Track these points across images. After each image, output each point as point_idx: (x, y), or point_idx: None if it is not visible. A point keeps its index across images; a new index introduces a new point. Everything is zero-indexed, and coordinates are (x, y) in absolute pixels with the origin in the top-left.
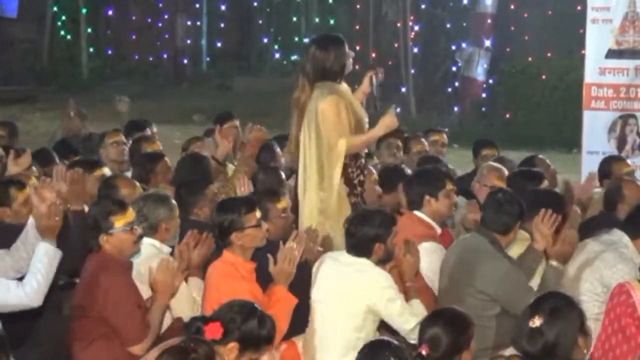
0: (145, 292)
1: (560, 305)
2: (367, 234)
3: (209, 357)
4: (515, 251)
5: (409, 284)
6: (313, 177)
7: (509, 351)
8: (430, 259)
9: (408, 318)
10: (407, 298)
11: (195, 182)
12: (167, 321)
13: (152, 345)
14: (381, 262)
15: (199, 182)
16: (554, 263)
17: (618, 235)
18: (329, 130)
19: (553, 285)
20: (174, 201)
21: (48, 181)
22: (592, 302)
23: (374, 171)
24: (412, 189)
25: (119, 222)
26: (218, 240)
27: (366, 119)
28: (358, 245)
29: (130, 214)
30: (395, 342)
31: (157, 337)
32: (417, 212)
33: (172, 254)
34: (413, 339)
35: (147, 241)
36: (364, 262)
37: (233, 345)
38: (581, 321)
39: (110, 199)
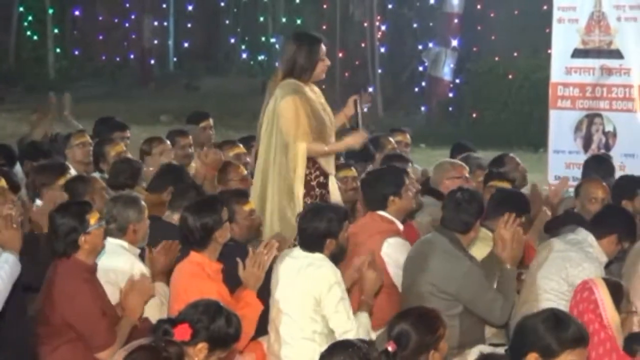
0: (111, 293)
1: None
2: (317, 229)
3: (179, 357)
4: (477, 250)
5: (364, 298)
6: (276, 180)
7: (474, 350)
8: (395, 254)
9: (346, 320)
10: (359, 309)
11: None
12: None
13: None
14: (334, 258)
15: (189, 190)
16: (506, 265)
17: (583, 235)
18: (287, 129)
19: (509, 286)
20: (143, 203)
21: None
22: (557, 300)
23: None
24: (373, 190)
25: (93, 220)
26: (197, 244)
27: (332, 127)
28: (309, 241)
29: (97, 211)
30: (357, 342)
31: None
32: (382, 212)
33: (141, 255)
34: None
35: (115, 242)
36: (316, 257)
37: (202, 346)
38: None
39: (75, 202)
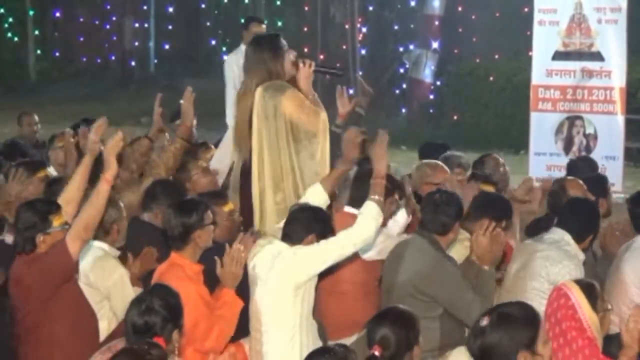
0: (94, 296)
1: (513, 314)
2: (302, 226)
3: (162, 359)
4: (456, 251)
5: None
6: (269, 181)
7: (455, 352)
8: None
9: (334, 240)
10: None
11: (175, 187)
12: (113, 325)
13: (97, 347)
14: None
15: (176, 188)
16: (485, 267)
17: (559, 234)
18: (307, 119)
19: (487, 288)
20: (121, 203)
21: None
22: (538, 300)
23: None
24: (357, 192)
25: (57, 222)
26: (176, 242)
27: None
28: (292, 232)
29: (64, 214)
30: (335, 348)
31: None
32: (348, 209)
33: (121, 257)
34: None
35: (95, 244)
36: (287, 247)
37: (175, 335)
38: (530, 338)
39: (44, 200)
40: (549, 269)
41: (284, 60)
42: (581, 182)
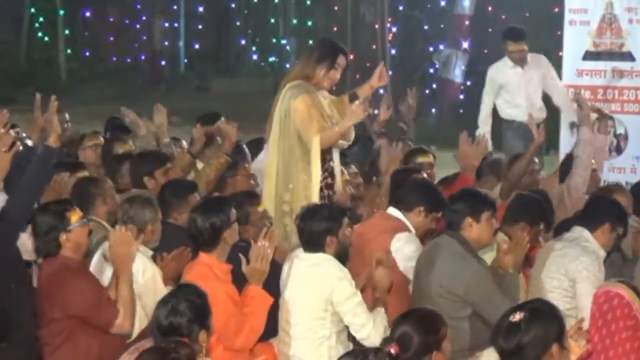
0: None
1: (543, 309)
2: (316, 228)
3: (191, 358)
4: (490, 254)
5: (379, 296)
6: (277, 180)
7: (486, 352)
8: (404, 247)
9: (359, 312)
10: (374, 307)
11: (182, 185)
12: (144, 325)
13: (123, 343)
14: (337, 258)
15: (185, 186)
16: (509, 270)
17: (578, 231)
18: (304, 128)
19: (514, 291)
20: (156, 204)
21: None
22: (561, 298)
23: (345, 171)
24: (404, 194)
25: (74, 217)
26: (206, 244)
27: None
28: (310, 241)
29: (79, 209)
30: (366, 350)
31: (132, 314)
32: (391, 210)
33: (154, 257)
34: (363, 338)
35: None
36: (321, 257)
37: (202, 335)
38: (559, 332)
39: (56, 201)
40: (567, 266)
41: (324, 70)
42: (626, 190)
